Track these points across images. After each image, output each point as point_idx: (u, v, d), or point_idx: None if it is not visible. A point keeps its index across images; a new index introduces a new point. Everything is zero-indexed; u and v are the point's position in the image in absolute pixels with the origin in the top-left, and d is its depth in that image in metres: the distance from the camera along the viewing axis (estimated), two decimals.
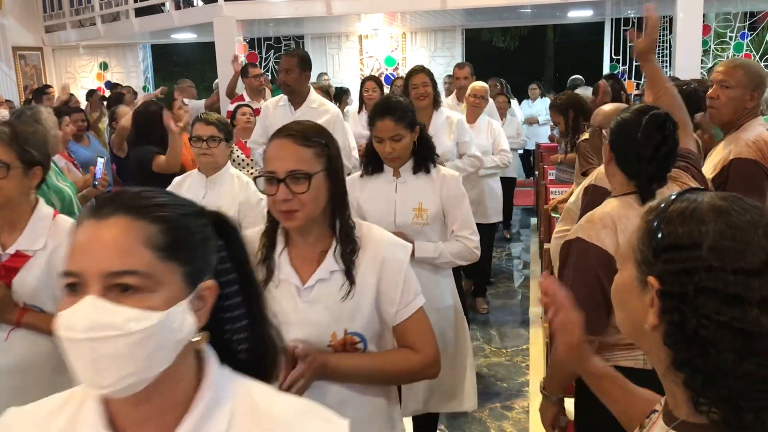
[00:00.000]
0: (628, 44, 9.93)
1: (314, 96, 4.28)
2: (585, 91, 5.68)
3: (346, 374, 1.61)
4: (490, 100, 5.84)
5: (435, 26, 10.30)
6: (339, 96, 7.51)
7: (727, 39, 9.55)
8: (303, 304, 1.61)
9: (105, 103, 7.63)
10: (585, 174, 3.16)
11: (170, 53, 17.97)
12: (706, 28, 8.86)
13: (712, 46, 9.60)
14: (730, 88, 2.74)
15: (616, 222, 1.92)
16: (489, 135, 4.87)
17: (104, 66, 11.43)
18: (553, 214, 4.23)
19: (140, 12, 9.45)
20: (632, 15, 9.78)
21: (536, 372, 4.05)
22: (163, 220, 0.89)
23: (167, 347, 0.87)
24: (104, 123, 6.77)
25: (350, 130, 4.49)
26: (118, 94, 7.36)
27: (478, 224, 4.89)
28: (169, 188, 3.01)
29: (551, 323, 1.37)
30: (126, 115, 5.05)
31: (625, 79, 9.46)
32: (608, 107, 2.94)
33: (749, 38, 9.50)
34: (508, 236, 7.28)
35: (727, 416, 0.87)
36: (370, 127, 2.58)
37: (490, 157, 4.79)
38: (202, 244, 0.95)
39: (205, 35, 9.52)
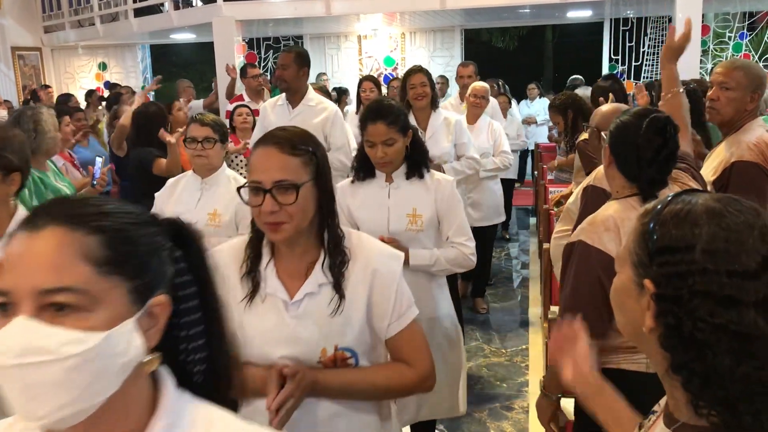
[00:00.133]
0: (628, 44, 9.94)
1: (312, 94, 4.21)
2: (585, 91, 5.67)
3: (338, 391, 1.55)
4: (494, 99, 5.84)
5: (434, 26, 10.30)
6: (338, 96, 7.51)
7: (726, 39, 9.55)
8: (291, 320, 1.53)
9: (104, 103, 7.63)
10: (589, 174, 3.15)
11: (169, 53, 17.96)
12: (705, 29, 8.87)
13: (711, 46, 9.60)
14: (730, 90, 2.72)
15: (619, 225, 1.91)
16: (489, 136, 4.80)
17: (103, 66, 11.43)
18: (555, 209, 4.21)
19: (139, 12, 9.45)
20: (631, 15, 9.78)
21: (536, 372, 4.05)
22: (103, 231, 0.81)
23: (110, 372, 0.78)
24: (103, 123, 6.76)
25: (350, 129, 4.48)
26: (116, 94, 7.35)
27: (478, 226, 4.91)
28: (163, 190, 3.04)
29: (553, 352, 1.39)
30: (126, 113, 5.05)
31: (624, 80, 9.46)
32: (607, 108, 2.93)
33: (748, 38, 9.51)
34: (507, 236, 7.27)
35: (725, 419, 0.87)
36: (361, 131, 2.50)
37: (490, 159, 4.72)
38: (152, 255, 0.86)
39: (204, 35, 9.51)
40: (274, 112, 4.21)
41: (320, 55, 10.90)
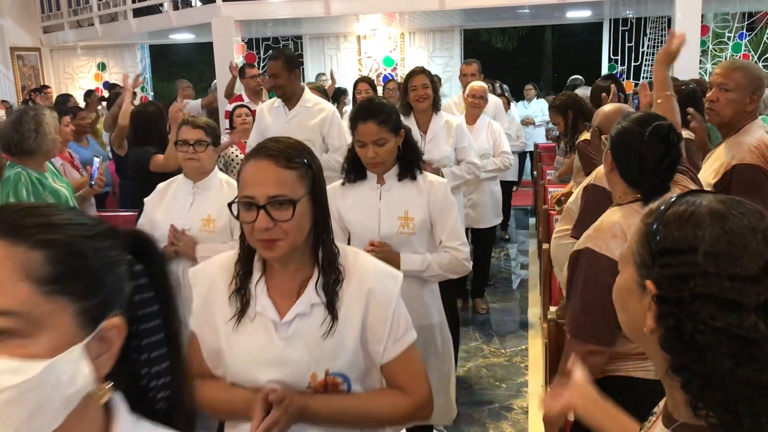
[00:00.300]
0: (627, 44, 9.94)
1: (308, 95, 4.13)
2: (584, 91, 5.67)
3: (328, 419, 1.46)
4: (497, 99, 5.81)
5: (433, 26, 10.30)
6: (337, 96, 7.50)
7: (726, 39, 9.55)
8: (280, 341, 1.45)
9: (105, 103, 7.62)
10: (589, 174, 3.14)
11: (168, 54, 17.96)
12: (704, 29, 8.87)
13: (711, 47, 9.60)
14: (729, 91, 2.71)
15: (626, 231, 1.89)
16: (489, 136, 4.74)
17: (102, 66, 11.42)
18: (556, 207, 4.19)
19: (138, 12, 9.44)
20: (630, 15, 9.78)
21: (535, 373, 4.05)
22: (49, 245, 0.72)
23: (52, 406, 0.70)
24: (101, 123, 6.76)
25: (348, 130, 4.48)
26: (116, 95, 7.34)
27: (478, 229, 4.88)
28: (153, 194, 2.96)
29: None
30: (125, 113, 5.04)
31: (623, 80, 9.46)
32: (608, 108, 2.93)
33: (747, 38, 9.51)
34: (507, 237, 7.26)
35: (724, 420, 0.87)
36: (351, 130, 2.42)
37: (491, 160, 4.68)
38: (106, 271, 0.77)
39: (204, 36, 9.51)
40: (270, 115, 4.13)
41: (319, 55, 10.90)
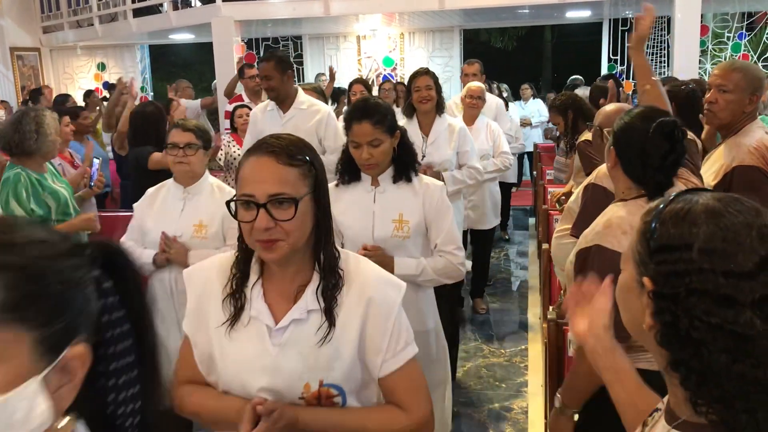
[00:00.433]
0: (627, 44, 9.94)
1: (303, 97, 4.07)
2: (584, 92, 5.67)
3: None
4: (498, 100, 5.80)
5: (433, 27, 10.30)
6: (337, 96, 7.50)
7: (725, 39, 9.56)
8: (273, 348, 1.39)
9: (106, 103, 7.61)
10: (589, 174, 3.14)
11: (168, 54, 17.95)
12: (703, 29, 8.87)
13: (710, 47, 9.61)
14: (728, 92, 2.70)
15: (634, 227, 1.88)
16: (488, 137, 4.70)
17: (102, 66, 11.42)
18: (558, 206, 4.18)
19: (138, 12, 9.44)
20: (630, 15, 9.78)
21: (535, 373, 4.05)
22: (4, 269, 0.66)
23: None
24: (101, 123, 6.76)
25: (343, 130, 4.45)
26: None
27: (478, 230, 4.87)
28: (142, 200, 2.90)
29: (570, 311, 1.35)
30: (124, 114, 5.06)
31: (623, 79, 9.46)
32: (610, 107, 2.93)
33: (747, 39, 9.51)
34: (507, 237, 7.26)
35: (722, 417, 0.87)
36: (346, 131, 2.37)
37: (491, 161, 4.65)
38: (70, 295, 0.70)
39: (203, 36, 9.51)
40: (264, 118, 4.07)
41: (319, 55, 10.90)
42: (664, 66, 9.62)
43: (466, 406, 3.71)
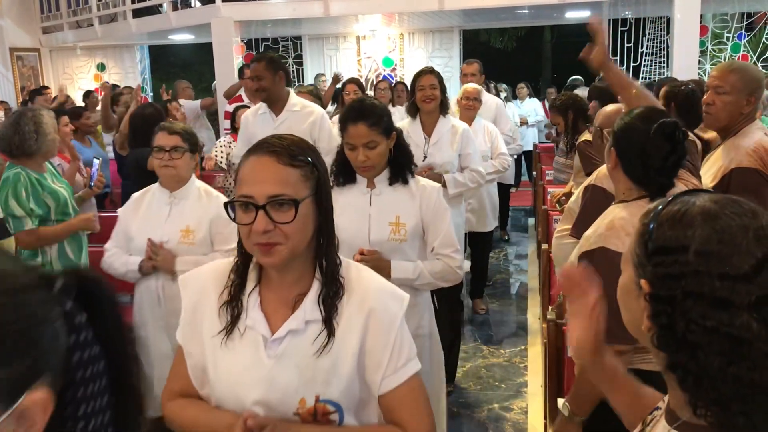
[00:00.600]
0: (626, 45, 9.95)
1: (294, 99, 4.00)
2: (584, 92, 5.68)
3: None
4: (498, 101, 5.78)
5: (433, 27, 10.31)
6: (337, 97, 7.49)
7: (725, 40, 9.57)
8: (269, 360, 1.32)
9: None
10: (589, 174, 3.15)
11: (168, 54, 17.97)
12: (703, 29, 8.88)
13: (710, 47, 9.61)
14: (725, 94, 2.68)
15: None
16: (486, 139, 4.65)
17: (102, 67, 11.42)
18: (558, 206, 4.18)
19: (138, 13, 9.45)
20: (629, 16, 9.79)
21: (534, 373, 4.05)
22: None
23: None
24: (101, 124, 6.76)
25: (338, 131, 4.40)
26: (115, 95, 7.34)
27: (476, 232, 4.86)
28: (127, 205, 2.85)
29: (570, 309, 1.32)
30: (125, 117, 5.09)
31: None
32: (610, 108, 2.93)
33: (746, 39, 9.52)
34: (507, 238, 7.26)
35: (720, 419, 0.87)
36: (341, 132, 2.31)
37: (489, 162, 4.59)
38: (32, 334, 0.64)
39: (203, 36, 9.51)
40: (256, 122, 3.99)
41: (319, 55, 10.91)
42: (664, 66, 9.63)
43: (466, 407, 3.71)
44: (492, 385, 3.97)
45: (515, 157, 7.50)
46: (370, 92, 8.47)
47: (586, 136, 3.84)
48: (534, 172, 7.51)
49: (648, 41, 9.90)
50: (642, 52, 9.94)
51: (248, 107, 5.20)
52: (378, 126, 2.24)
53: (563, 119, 4.72)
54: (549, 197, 4.79)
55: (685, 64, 6.99)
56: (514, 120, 8.83)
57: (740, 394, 0.85)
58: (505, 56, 19.39)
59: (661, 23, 9.74)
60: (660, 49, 9.73)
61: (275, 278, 1.37)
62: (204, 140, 7.22)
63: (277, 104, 3.94)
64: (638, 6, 9.02)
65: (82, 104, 7.91)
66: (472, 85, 4.80)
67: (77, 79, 11.36)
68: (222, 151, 5.11)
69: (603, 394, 1.90)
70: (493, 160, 4.63)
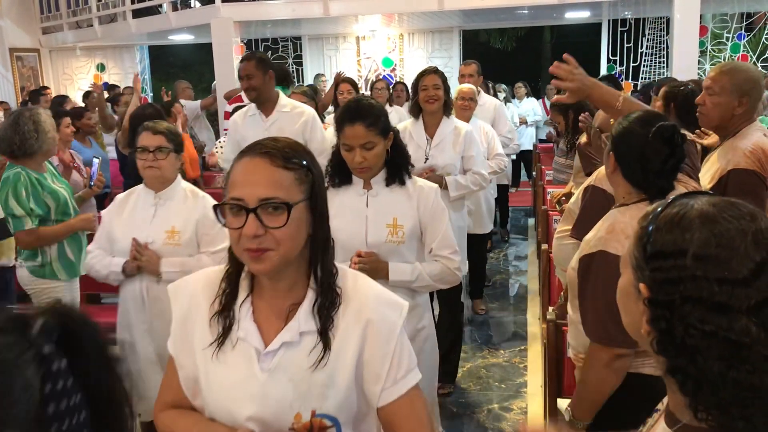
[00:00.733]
0: (626, 45, 9.96)
1: (284, 100, 3.93)
2: None
3: None
4: (496, 101, 5.77)
5: (432, 27, 10.31)
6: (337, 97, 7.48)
7: (724, 40, 9.57)
8: (262, 374, 1.27)
9: (108, 104, 7.61)
10: (589, 174, 3.15)
11: (167, 54, 17.96)
12: (702, 29, 8.88)
13: (709, 47, 9.62)
14: (715, 95, 2.67)
15: None
16: (482, 139, 4.61)
17: (101, 67, 11.42)
18: (558, 207, 4.17)
19: (137, 13, 9.45)
20: (629, 16, 9.80)
21: (534, 373, 4.05)
22: None
23: None
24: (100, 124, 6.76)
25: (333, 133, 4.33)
26: (116, 95, 7.35)
27: (473, 234, 4.85)
28: (111, 206, 2.80)
29: None
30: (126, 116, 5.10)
31: (622, 80, 9.47)
32: None
33: (746, 39, 9.52)
34: (507, 238, 7.24)
35: (720, 423, 0.87)
36: (337, 132, 2.27)
37: (485, 163, 4.65)
38: None
39: (203, 36, 9.51)
40: (245, 124, 3.91)
41: (318, 56, 10.91)
42: (663, 67, 9.63)
43: (466, 407, 3.71)
44: (492, 385, 3.97)
45: (513, 157, 7.55)
46: (367, 92, 8.45)
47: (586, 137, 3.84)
48: (534, 172, 7.51)
49: (648, 41, 9.91)
50: (642, 53, 9.94)
51: None
52: (375, 126, 2.20)
53: (563, 118, 4.71)
54: (549, 198, 4.79)
55: (685, 64, 7.00)
56: (513, 121, 8.85)
57: (740, 397, 0.85)
58: (504, 56, 19.39)
59: (660, 23, 9.74)
60: (660, 50, 9.73)
61: (268, 287, 1.31)
62: (204, 140, 7.23)
63: (266, 105, 3.87)
64: (638, 6, 9.03)
65: (82, 104, 7.91)
66: (467, 85, 4.75)
67: (77, 79, 11.36)
68: (222, 152, 5.11)
69: (604, 398, 1.92)
70: (490, 160, 4.62)
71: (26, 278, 3.36)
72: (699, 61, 8.05)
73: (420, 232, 2.33)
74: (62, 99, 7.60)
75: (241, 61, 3.89)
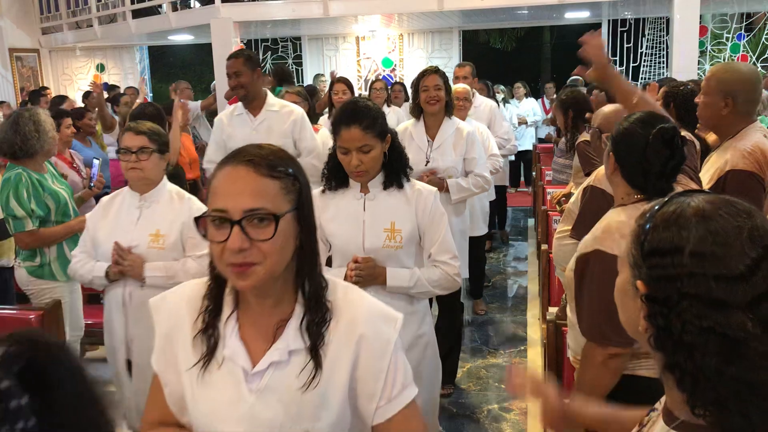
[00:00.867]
0: (626, 45, 9.96)
1: (272, 99, 3.83)
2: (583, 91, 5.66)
3: None
4: (492, 102, 5.75)
5: (432, 27, 10.32)
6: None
7: (724, 40, 9.57)
8: (250, 395, 1.21)
9: (109, 104, 7.62)
10: (588, 174, 3.15)
11: (167, 55, 17.97)
12: (702, 30, 8.88)
13: (709, 48, 9.62)
14: (704, 95, 2.69)
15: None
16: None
17: (101, 68, 11.43)
18: (558, 207, 4.17)
19: (137, 14, 9.46)
20: (629, 16, 9.80)
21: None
22: None
23: None
24: (99, 124, 6.76)
25: (327, 134, 4.26)
26: (116, 96, 7.35)
27: (470, 236, 4.82)
28: (96, 209, 2.75)
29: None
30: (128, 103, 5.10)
31: None
32: (608, 109, 2.92)
33: (746, 39, 9.53)
34: (506, 240, 7.20)
35: (718, 419, 0.88)
36: (334, 135, 2.22)
37: (487, 164, 4.62)
38: None
39: (202, 37, 9.52)
40: (231, 124, 3.79)
41: (318, 56, 10.91)
42: (663, 67, 9.64)
43: (466, 407, 3.71)
44: (491, 385, 3.97)
45: (512, 158, 7.51)
46: (365, 93, 8.42)
47: (586, 136, 3.84)
48: (534, 173, 7.50)
49: (647, 42, 9.91)
50: (641, 53, 9.95)
51: None
52: (372, 129, 2.15)
53: (563, 116, 4.71)
54: (549, 198, 4.78)
55: (685, 64, 7.00)
56: (512, 122, 8.84)
57: (737, 393, 0.85)
58: (504, 57, 19.40)
59: (660, 24, 9.75)
60: (659, 50, 9.74)
61: (253, 303, 1.24)
62: (205, 140, 7.23)
63: (254, 104, 3.77)
64: (638, 6, 9.03)
65: (82, 105, 7.92)
66: (461, 86, 4.69)
67: (76, 79, 11.36)
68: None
69: (601, 396, 1.92)
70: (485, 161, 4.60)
71: (25, 279, 3.36)
72: (699, 61, 8.05)
73: (419, 237, 2.29)
74: (61, 99, 7.61)
75: (229, 59, 3.77)
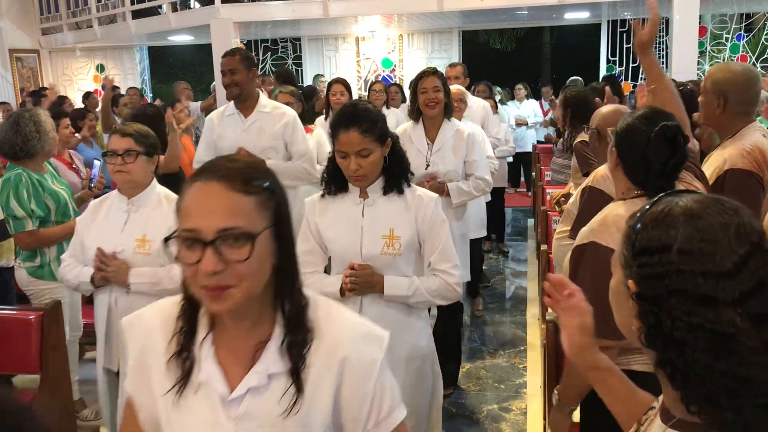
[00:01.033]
0: (625, 45, 9.97)
1: (264, 100, 3.76)
2: None
3: None
4: (486, 103, 5.74)
5: (432, 28, 10.33)
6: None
7: (724, 40, 9.58)
8: (228, 422, 1.13)
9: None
10: (586, 175, 3.15)
11: (167, 55, 17.99)
12: (702, 30, 8.89)
13: (709, 48, 9.63)
14: (702, 95, 2.73)
15: None
16: None
17: (101, 68, 11.44)
18: (557, 207, 4.17)
19: (137, 14, 9.47)
20: (629, 16, 9.81)
21: (534, 374, 4.05)
22: None
23: None
24: (100, 124, 6.77)
25: (323, 136, 4.18)
26: (116, 96, 7.36)
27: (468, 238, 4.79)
28: (85, 213, 2.71)
29: (556, 312, 1.36)
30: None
31: (621, 80, 9.48)
32: (606, 109, 2.93)
33: (745, 40, 9.53)
34: (505, 249, 6.93)
35: (710, 415, 0.89)
36: (332, 139, 2.16)
37: (488, 167, 4.57)
38: None
39: (202, 37, 9.52)
40: (222, 124, 3.73)
41: (318, 56, 10.92)
42: (663, 67, 9.64)
43: (465, 408, 3.71)
44: (491, 385, 3.98)
45: (511, 159, 7.45)
46: (365, 94, 8.40)
47: (584, 136, 3.85)
48: (533, 173, 7.51)
49: None
50: None
51: None
52: (372, 132, 2.10)
53: (563, 114, 4.70)
54: (548, 198, 4.79)
55: (684, 64, 7.01)
56: (510, 123, 8.83)
57: (728, 389, 0.87)
58: (504, 57, 19.42)
59: (660, 24, 9.75)
60: (659, 50, 9.73)
61: (229, 325, 1.16)
62: None
63: (246, 104, 3.69)
64: (637, 7, 9.03)
65: (82, 105, 7.93)
66: (455, 87, 4.61)
67: (76, 80, 11.37)
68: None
69: (590, 387, 1.93)
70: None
71: (25, 279, 3.37)
72: (698, 61, 8.06)
73: (418, 245, 2.24)
74: (60, 100, 7.61)
75: (224, 56, 3.70)
